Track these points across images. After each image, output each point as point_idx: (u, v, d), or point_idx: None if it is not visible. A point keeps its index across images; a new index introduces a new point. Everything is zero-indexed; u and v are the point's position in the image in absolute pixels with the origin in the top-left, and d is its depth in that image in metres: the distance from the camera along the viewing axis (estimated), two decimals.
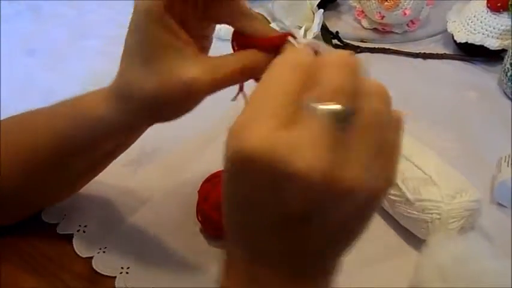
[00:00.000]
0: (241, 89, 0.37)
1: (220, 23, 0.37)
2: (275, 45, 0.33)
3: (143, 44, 0.34)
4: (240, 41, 0.36)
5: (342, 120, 0.23)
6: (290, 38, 0.32)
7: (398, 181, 0.46)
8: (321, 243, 0.27)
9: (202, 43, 0.38)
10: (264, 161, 0.23)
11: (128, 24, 0.35)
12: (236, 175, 0.26)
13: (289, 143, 0.23)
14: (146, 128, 0.42)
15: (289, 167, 0.23)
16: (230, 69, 0.34)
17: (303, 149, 0.23)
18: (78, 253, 0.47)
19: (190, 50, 0.34)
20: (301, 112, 0.24)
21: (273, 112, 0.24)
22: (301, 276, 0.28)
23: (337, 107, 0.23)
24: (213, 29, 0.39)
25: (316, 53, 0.32)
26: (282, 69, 0.26)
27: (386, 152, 0.25)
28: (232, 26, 0.36)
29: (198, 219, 0.48)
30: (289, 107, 0.24)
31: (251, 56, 0.34)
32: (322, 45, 0.34)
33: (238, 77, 0.35)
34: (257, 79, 0.34)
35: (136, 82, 0.35)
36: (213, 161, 0.45)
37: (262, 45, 0.34)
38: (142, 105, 0.36)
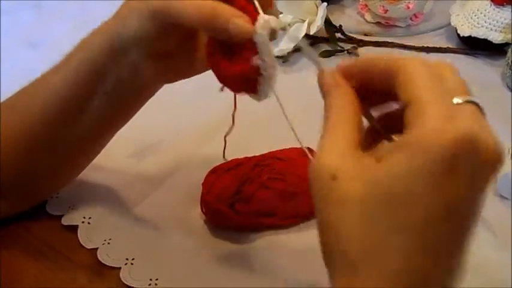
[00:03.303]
0: None
1: None
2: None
3: None
4: None
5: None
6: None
7: None
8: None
9: None
10: (471, 146, 0.26)
11: None
12: (438, 174, 0.25)
13: (476, 128, 0.26)
14: (150, 90, 0.44)
15: (489, 148, 0.27)
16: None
17: (485, 132, 0.27)
18: (83, 244, 0.47)
19: None
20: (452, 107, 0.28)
21: (441, 107, 0.27)
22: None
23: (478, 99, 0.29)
24: None
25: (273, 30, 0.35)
26: (426, 76, 0.29)
27: None
28: None
29: (202, 211, 0.48)
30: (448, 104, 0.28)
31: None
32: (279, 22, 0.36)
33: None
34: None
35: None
36: (217, 153, 0.45)
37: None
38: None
